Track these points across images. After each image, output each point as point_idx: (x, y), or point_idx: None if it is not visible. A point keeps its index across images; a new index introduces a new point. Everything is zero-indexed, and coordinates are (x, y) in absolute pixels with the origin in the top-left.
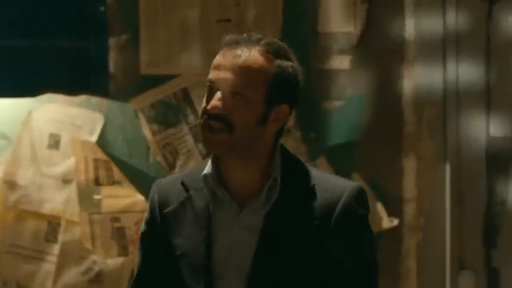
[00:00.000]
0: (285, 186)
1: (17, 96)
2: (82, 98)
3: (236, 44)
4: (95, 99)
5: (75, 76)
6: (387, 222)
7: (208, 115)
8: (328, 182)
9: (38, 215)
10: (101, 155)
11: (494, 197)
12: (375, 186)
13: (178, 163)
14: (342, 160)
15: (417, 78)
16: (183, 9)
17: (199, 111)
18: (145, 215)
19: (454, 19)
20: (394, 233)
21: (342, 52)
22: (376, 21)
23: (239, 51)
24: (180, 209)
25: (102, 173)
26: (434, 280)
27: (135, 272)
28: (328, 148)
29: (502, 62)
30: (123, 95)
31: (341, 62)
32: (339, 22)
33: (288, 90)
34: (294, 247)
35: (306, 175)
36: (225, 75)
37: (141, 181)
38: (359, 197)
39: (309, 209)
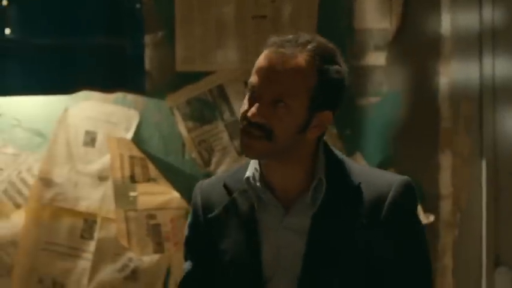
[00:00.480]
0: (331, 186)
1: (52, 94)
2: (118, 95)
3: (281, 46)
4: (130, 97)
5: (111, 73)
6: (423, 218)
7: (248, 121)
8: (375, 178)
9: (73, 213)
10: (136, 152)
11: None
12: None
13: (214, 160)
14: (377, 156)
15: (453, 74)
16: (218, 5)
17: (235, 108)
18: (189, 218)
19: (491, 14)
20: (430, 230)
21: (377, 48)
22: (412, 17)
23: (284, 56)
24: (225, 213)
25: (137, 170)
26: (471, 277)
27: (182, 276)
28: (364, 144)
29: None
30: (158, 92)
31: (377, 59)
32: (375, 18)
33: (332, 97)
34: (343, 247)
35: (351, 173)
36: (268, 81)
37: (176, 178)
38: (407, 192)
39: (356, 207)
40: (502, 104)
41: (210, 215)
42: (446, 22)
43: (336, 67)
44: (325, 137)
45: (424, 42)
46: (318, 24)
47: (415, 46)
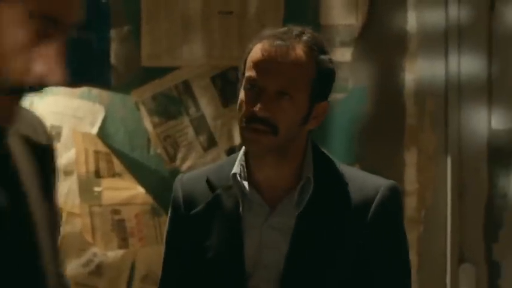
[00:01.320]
0: (318, 186)
1: None
2: (83, 89)
3: (277, 39)
4: (96, 91)
5: (77, 68)
6: None
7: (253, 117)
8: (362, 180)
9: None
10: (101, 147)
11: (496, 190)
12: None
13: (179, 155)
14: (342, 152)
15: (419, 70)
16: (184, 1)
17: (201, 104)
18: (170, 213)
19: (456, 12)
20: None
21: (343, 44)
22: (378, 13)
23: (284, 48)
24: (208, 209)
25: (102, 165)
26: (435, 273)
27: (162, 271)
28: (329, 140)
29: (504, 55)
30: (124, 87)
31: (343, 54)
32: (341, 14)
33: (328, 87)
34: (327, 248)
35: (338, 174)
36: (270, 74)
37: (141, 173)
38: (394, 196)
39: (343, 208)
40: (467, 101)
41: (192, 211)
42: (412, 19)
43: (329, 57)
44: None
45: (390, 39)
46: (284, 20)
47: (381, 42)
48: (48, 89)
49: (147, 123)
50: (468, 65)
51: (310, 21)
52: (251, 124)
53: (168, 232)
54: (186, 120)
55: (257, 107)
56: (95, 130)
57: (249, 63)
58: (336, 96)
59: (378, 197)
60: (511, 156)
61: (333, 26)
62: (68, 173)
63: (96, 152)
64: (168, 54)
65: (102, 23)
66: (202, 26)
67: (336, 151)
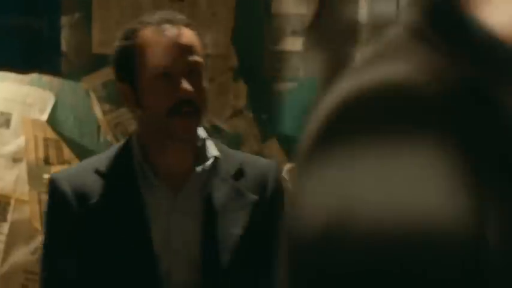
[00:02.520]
0: (218, 168)
1: None
2: (33, 76)
3: (172, 23)
4: (46, 78)
5: (27, 54)
6: None
7: (187, 101)
8: (251, 158)
9: None
10: (51, 134)
11: None
12: None
13: None
14: (293, 142)
15: None
16: None
17: None
18: (51, 213)
19: (407, 1)
20: None
21: (294, 34)
22: (329, 3)
23: (185, 31)
24: (107, 201)
25: (52, 152)
26: None
27: (47, 272)
28: (279, 129)
29: None
30: (74, 74)
31: (294, 44)
32: (292, 3)
33: None
34: (236, 227)
35: (230, 153)
36: (188, 56)
37: None
38: (279, 173)
39: (244, 188)
40: None
41: (88, 205)
42: (363, 9)
43: None
44: (241, 121)
45: (341, 29)
46: (235, 9)
47: (332, 32)
48: None
49: (97, 111)
50: None
51: (262, 9)
52: (188, 108)
53: (56, 233)
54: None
55: (189, 90)
56: (44, 117)
57: (162, 48)
58: (287, 85)
59: (271, 174)
60: None
61: (284, 15)
62: (17, 160)
63: (46, 139)
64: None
65: (53, 9)
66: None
67: (287, 140)
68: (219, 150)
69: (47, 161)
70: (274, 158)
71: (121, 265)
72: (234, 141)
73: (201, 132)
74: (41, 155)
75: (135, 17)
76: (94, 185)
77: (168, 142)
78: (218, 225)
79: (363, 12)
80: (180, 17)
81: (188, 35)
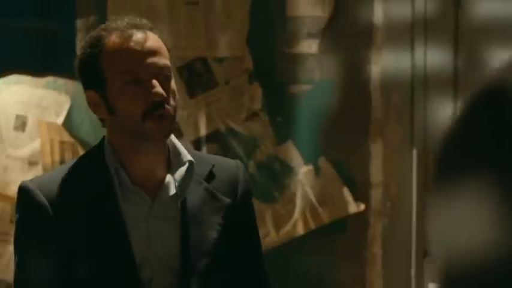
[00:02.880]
0: (191, 171)
1: None
2: (49, 79)
3: (137, 28)
4: (61, 81)
5: (42, 57)
6: (353, 207)
7: (160, 103)
8: (218, 160)
9: (3, 197)
10: (67, 137)
11: None
12: (342, 171)
13: None
14: (309, 144)
15: (385, 63)
16: None
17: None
18: (25, 221)
19: (423, 4)
20: (360, 218)
21: (310, 36)
22: (345, 5)
23: (151, 35)
24: (82, 209)
25: (68, 155)
26: (400, 266)
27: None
28: (295, 132)
29: (470, 48)
30: None
31: (309, 46)
32: (308, 6)
33: None
34: (213, 230)
35: (200, 156)
36: (157, 59)
37: None
38: (246, 172)
39: (217, 190)
40: (433, 94)
41: (64, 212)
42: (379, 11)
43: None
44: (256, 124)
45: (357, 31)
46: (250, 11)
47: (348, 34)
48: (13, 78)
49: None
50: (434, 57)
51: (277, 12)
52: (164, 110)
53: (27, 240)
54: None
55: (161, 92)
56: (60, 120)
57: (127, 54)
58: (303, 87)
59: (241, 175)
60: None
61: (299, 17)
62: (33, 163)
63: (62, 142)
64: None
65: (68, 12)
66: (168, 16)
67: (302, 143)
68: (191, 153)
69: (62, 164)
70: (290, 160)
71: (103, 274)
72: (249, 144)
73: (172, 136)
74: (57, 158)
75: (150, 20)
76: (67, 193)
77: (141, 146)
78: (195, 229)
79: (378, 14)
80: (143, 21)
81: (154, 39)
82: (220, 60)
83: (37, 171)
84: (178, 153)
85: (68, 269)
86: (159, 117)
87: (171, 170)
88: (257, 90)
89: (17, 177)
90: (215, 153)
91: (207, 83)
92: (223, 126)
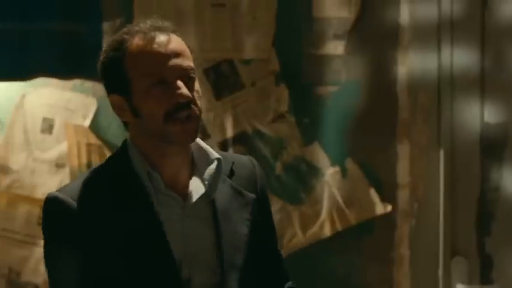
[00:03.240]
0: (218, 169)
1: (10, 80)
2: (76, 82)
3: (160, 30)
4: (88, 84)
5: (69, 60)
6: (380, 208)
7: (185, 105)
8: (234, 156)
9: (30, 200)
10: (93, 140)
11: (488, 183)
12: (369, 172)
13: None
14: (335, 145)
15: (412, 64)
16: None
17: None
18: (58, 230)
19: (449, 5)
20: (388, 219)
21: (336, 37)
22: (371, 6)
23: (174, 37)
24: (116, 213)
25: (95, 158)
26: (427, 266)
27: None
28: (322, 133)
29: (497, 48)
30: None
31: (335, 47)
32: (334, 7)
33: None
34: (244, 225)
35: (223, 155)
36: (181, 61)
37: None
38: (261, 168)
39: (240, 186)
40: (460, 95)
41: (99, 220)
42: (405, 12)
43: None
44: (283, 126)
45: (383, 32)
46: (276, 13)
47: (374, 35)
48: (40, 81)
49: None
50: (461, 58)
51: (303, 13)
52: (191, 111)
53: (63, 252)
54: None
55: (188, 94)
56: (87, 123)
57: (152, 55)
58: (329, 89)
59: (257, 170)
60: (503, 150)
61: (326, 18)
62: (60, 165)
63: (89, 145)
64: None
65: (94, 15)
66: (195, 18)
67: (329, 144)
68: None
69: (89, 167)
70: (317, 161)
71: (143, 277)
72: (276, 146)
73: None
74: (84, 160)
75: (177, 22)
76: (98, 199)
77: (167, 149)
78: (227, 226)
79: (404, 15)
80: (166, 23)
81: (177, 41)
82: (247, 62)
83: (64, 174)
84: (204, 152)
85: (107, 275)
86: (186, 119)
87: (197, 168)
88: (283, 91)
89: (44, 180)
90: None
91: (233, 84)
92: (250, 128)
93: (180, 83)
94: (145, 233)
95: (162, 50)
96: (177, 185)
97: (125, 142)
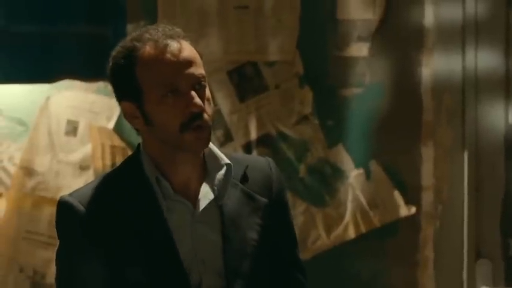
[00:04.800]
0: (229, 174)
1: (34, 82)
2: (100, 84)
3: (171, 37)
4: None
5: (93, 62)
6: (405, 210)
7: (200, 114)
8: (250, 159)
9: (54, 202)
10: (118, 142)
11: None
12: (393, 174)
13: None
14: (359, 148)
15: (436, 65)
16: None
17: (217, 98)
18: (71, 236)
19: (474, 6)
20: (412, 221)
21: (360, 39)
22: (396, 8)
23: (185, 45)
24: (126, 218)
25: (119, 160)
26: (452, 268)
27: None
28: (346, 135)
29: None
30: None
31: (360, 49)
32: (358, 9)
33: None
34: (252, 232)
35: (235, 159)
36: (194, 69)
37: None
38: (279, 171)
39: (252, 190)
40: (484, 96)
41: (108, 225)
42: (430, 13)
43: None
44: (307, 128)
45: (407, 34)
46: (301, 15)
47: (398, 37)
48: (64, 84)
49: None
50: (485, 59)
51: (327, 15)
52: (204, 121)
53: (73, 256)
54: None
55: (200, 104)
56: (111, 125)
57: (165, 63)
58: (353, 91)
59: (274, 173)
60: None
61: (350, 20)
62: (84, 167)
63: (113, 147)
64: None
65: (118, 17)
66: (219, 21)
67: (353, 146)
68: (226, 156)
69: None
70: (341, 164)
71: (153, 282)
72: (300, 148)
73: None
74: (108, 162)
75: (200, 24)
76: (109, 204)
77: (179, 156)
78: (236, 231)
79: (429, 17)
80: (176, 30)
81: (189, 49)
82: (271, 64)
83: (88, 176)
84: (215, 157)
85: (116, 280)
86: (199, 128)
87: (208, 174)
88: (307, 94)
89: (69, 182)
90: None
91: (257, 87)
92: (274, 130)
93: (193, 93)
94: (154, 240)
95: (174, 59)
96: (188, 191)
97: (138, 147)
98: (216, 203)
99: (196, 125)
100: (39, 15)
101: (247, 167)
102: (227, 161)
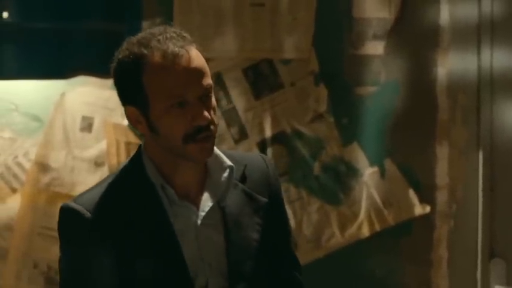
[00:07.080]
0: (230, 175)
1: (49, 79)
2: None
3: (180, 46)
4: None
5: (109, 59)
6: (419, 209)
7: (211, 125)
8: (247, 157)
9: (69, 198)
10: (132, 138)
11: None
12: (407, 173)
13: None
14: (374, 146)
15: (451, 64)
16: None
17: (232, 96)
18: (75, 241)
19: (489, 5)
20: (426, 220)
21: (376, 37)
22: (411, 6)
23: (193, 53)
24: (131, 223)
25: None
26: (465, 268)
27: None
28: (361, 134)
29: None
30: None
31: (375, 48)
32: (374, 7)
33: None
34: (254, 231)
35: (234, 158)
36: (203, 81)
37: None
38: (274, 165)
39: (252, 189)
40: (500, 95)
41: (113, 230)
42: (445, 12)
43: None
44: (322, 126)
45: (423, 32)
46: (316, 13)
47: (414, 36)
48: (80, 80)
49: None
50: (501, 59)
51: (343, 13)
52: (211, 132)
53: (78, 262)
54: (217, 112)
55: (208, 115)
56: (126, 121)
57: (172, 72)
58: (368, 89)
59: (270, 169)
60: None
61: (365, 19)
62: (99, 164)
63: (128, 143)
64: (200, 46)
65: (134, 14)
66: (234, 18)
67: (368, 144)
68: (227, 156)
69: None
70: (355, 162)
71: (160, 286)
72: (314, 146)
73: None
74: (123, 159)
75: (216, 21)
76: (113, 210)
77: (183, 164)
78: (238, 232)
79: (444, 16)
80: (184, 34)
81: (197, 57)
82: (286, 62)
83: (103, 172)
84: (217, 159)
85: (125, 285)
86: (204, 139)
87: (210, 175)
88: (322, 91)
89: (84, 178)
90: (281, 155)
91: (272, 84)
92: (289, 128)
93: (201, 106)
94: (160, 245)
95: (183, 70)
96: (191, 194)
97: (139, 148)
98: (218, 204)
99: (202, 137)
100: (55, 11)
101: (245, 166)
102: (229, 163)
